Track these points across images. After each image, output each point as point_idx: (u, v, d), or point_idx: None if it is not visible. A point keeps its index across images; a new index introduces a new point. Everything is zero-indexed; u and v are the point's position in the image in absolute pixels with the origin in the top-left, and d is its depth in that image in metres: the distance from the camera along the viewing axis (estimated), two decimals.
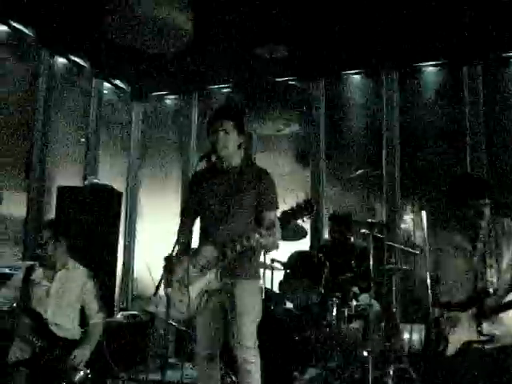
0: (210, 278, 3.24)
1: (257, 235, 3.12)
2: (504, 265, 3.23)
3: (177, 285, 3.24)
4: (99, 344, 4.12)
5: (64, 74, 7.08)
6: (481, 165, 6.50)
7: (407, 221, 6.01)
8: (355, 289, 5.40)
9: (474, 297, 3.21)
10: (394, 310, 5.81)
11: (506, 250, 3.27)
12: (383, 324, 5.53)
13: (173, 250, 3.26)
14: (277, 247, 3.36)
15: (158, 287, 3.15)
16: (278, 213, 3.35)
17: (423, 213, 3.25)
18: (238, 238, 3.18)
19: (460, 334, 3.17)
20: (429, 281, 3.62)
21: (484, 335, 3.11)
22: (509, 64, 6.59)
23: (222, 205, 3.45)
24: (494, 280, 3.20)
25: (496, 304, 3.15)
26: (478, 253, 3.30)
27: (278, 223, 3.17)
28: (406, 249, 5.64)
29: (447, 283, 3.35)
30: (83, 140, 7.35)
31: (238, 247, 3.18)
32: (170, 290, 3.18)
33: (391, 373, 4.95)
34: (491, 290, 3.18)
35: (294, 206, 3.04)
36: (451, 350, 3.17)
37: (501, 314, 3.13)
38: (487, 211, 3.29)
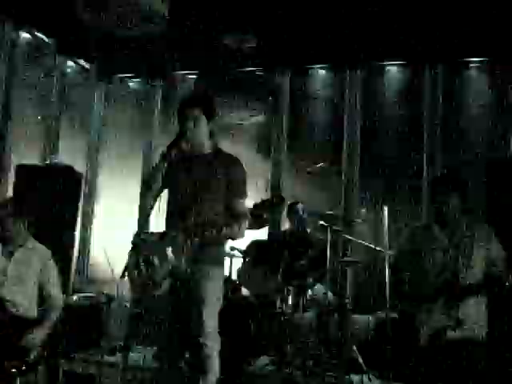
0: (175, 263, 3.26)
1: (225, 223, 3.17)
2: (474, 261, 3.41)
3: (142, 267, 3.26)
4: (55, 324, 4.10)
5: (27, 49, 6.93)
6: (436, 161, 6.73)
7: (365, 215, 6.14)
8: (311, 279, 5.51)
9: (444, 287, 3.38)
10: (347, 300, 5.96)
11: (478, 248, 3.45)
12: (336, 314, 5.69)
13: (137, 234, 3.27)
14: (243, 236, 3.42)
15: (125, 269, 3.16)
16: (250, 203, 3.40)
17: (385, 208, 3.36)
18: (206, 225, 3.21)
19: (431, 323, 3.34)
20: (387, 274, 3.76)
21: (453, 320, 3.28)
22: (468, 68, 6.83)
23: (191, 191, 3.47)
24: (464, 272, 3.38)
25: (463, 291, 3.34)
26: (452, 245, 3.47)
27: (247, 212, 3.23)
28: (363, 243, 5.78)
29: (418, 275, 3.50)
30: (39, 117, 7.22)
31: (206, 234, 3.22)
32: (135, 272, 3.20)
33: (343, 361, 5.10)
34: (461, 280, 3.36)
35: (265, 199, 3.08)
36: (424, 338, 3.33)
37: (469, 302, 3.33)
38: (454, 201, 3.48)
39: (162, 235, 3.37)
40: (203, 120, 3.52)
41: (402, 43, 6.52)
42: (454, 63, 6.80)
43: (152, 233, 3.47)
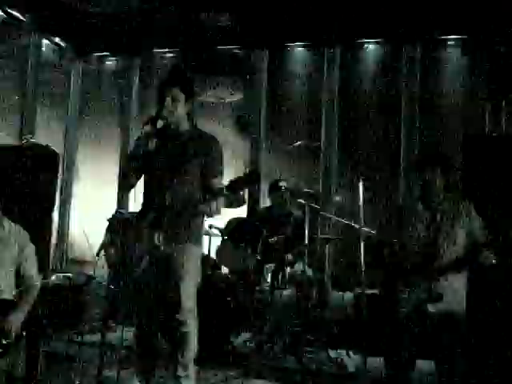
0: (152, 241, 3.27)
1: (200, 200, 3.18)
2: (456, 236, 3.47)
3: (119, 246, 3.27)
4: (33, 305, 4.07)
5: (1, 27, 6.81)
6: (413, 138, 6.78)
7: (343, 192, 6.20)
8: (290, 256, 5.54)
9: (425, 261, 3.43)
10: (325, 277, 6.02)
11: (459, 223, 3.50)
12: (315, 291, 5.74)
13: (116, 212, 3.28)
14: (219, 213, 3.43)
15: (101, 247, 3.16)
16: (225, 181, 3.41)
17: (360, 184, 3.38)
18: (183, 203, 3.22)
19: (411, 297, 3.39)
20: (362, 250, 3.79)
21: (433, 294, 3.34)
22: (445, 46, 6.85)
23: (168, 169, 3.48)
24: (445, 246, 3.44)
25: (444, 266, 3.39)
26: (435, 221, 3.52)
27: (223, 189, 3.24)
28: (340, 220, 5.82)
29: (403, 248, 3.56)
30: (17, 97, 7.12)
31: (182, 212, 3.23)
32: (112, 250, 3.21)
33: (321, 338, 5.17)
34: (442, 253, 3.42)
35: (241, 175, 3.09)
36: (403, 311, 3.40)
37: (449, 276, 3.38)
38: (438, 178, 3.53)
39: (138, 213, 3.37)
40: (181, 99, 3.54)
41: (380, 20, 6.50)
42: (432, 40, 6.81)
43: (129, 212, 3.48)
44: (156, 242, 3.26)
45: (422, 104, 6.81)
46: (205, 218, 3.60)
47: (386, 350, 3.57)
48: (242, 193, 5.52)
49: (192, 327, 3.44)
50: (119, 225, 3.25)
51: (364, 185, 3.42)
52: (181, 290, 3.38)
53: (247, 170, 3.14)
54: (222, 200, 3.31)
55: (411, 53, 6.89)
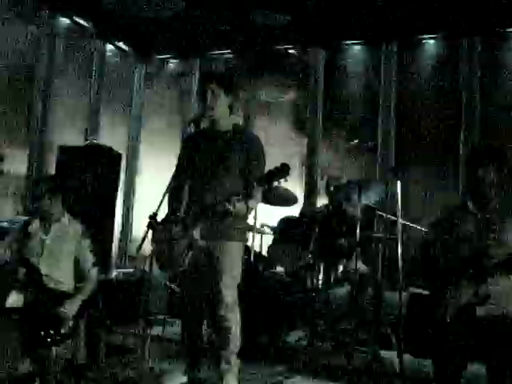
0: (192, 237, 3.35)
1: (235, 200, 3.22)
2: (507, 234, 3.29)
3: (161, 242, 3.37)
4: (95, 299, 4.25)
5: (66, 34, 7.13)
6: (475, 138, 6.60)
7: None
8: (343, 255, 5.50)
9: (473, 261, 3.28)
10: (379, 277, 5.95)
11: (511, 221, 3.32)
12: (370, 289, 5.69)
13: (157, 209, 3.37)
14: (250, 212, 3.48)
15: (141, 244, 3.27)
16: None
17: (398, 183, 3.33)
18: (219, 201, 3.28)
19: (458, 297, 3.26)
20: (400, 249, 3.68)
21: (480, 297, 3.20)
22: (506, 38, 6.63)
23: (208, 167, 3.54)
24: (495, 246, 3.26)
25: (493, 266, 3.23)
26: (484, 218, 3.35)
27: (259, 190, 3.29)
28: (394, 218, 5.74)
29: (450, 247, 3.41)
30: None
31: (218, 209, 3.28)
32: (155, 247, 3.31)
33: (375, 337, 5.11)
34: (491, 253, 3.25)
35: (272, 169, 3.10)
36: (450, 313, 3.26)
37: (499, 277, 3.22)
38: (494, 178, 3.35)
39: (179, 212, 3.46)
40: (222, 95, 3.54)
41: (435, 16, 6.37)
42: (492, 35, 6.60)
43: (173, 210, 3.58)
44: (196, 238, 3.33)
45: (483, 100, 6.60)
46: (247, 215, 3.63)
47: (432, 352, 3.48)
48: (293, 191, 5.58)
49: (233, 322, 3.49)
50: (161, 223, 3.34)
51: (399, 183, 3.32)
52: (221, 286, 3.44)
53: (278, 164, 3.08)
54: (256, 200, 3.36)
55: (470, 47, 6.71)
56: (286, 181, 3.03)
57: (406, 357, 4.75)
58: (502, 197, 3.44)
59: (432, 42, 6.99)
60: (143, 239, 3.27)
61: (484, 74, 6.65)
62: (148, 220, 3.29)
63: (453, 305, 3.28)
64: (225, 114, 3.62)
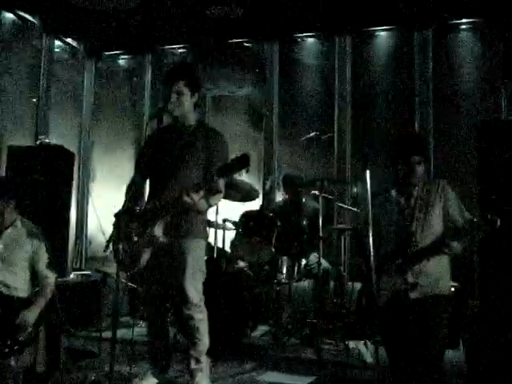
0: (154, 234, 3.27)
1: (194, 194, 3.15)
2: (432, 221, 3.30)
3: (124, 240, 3.27)
4: (53, 303, 4.11)
5: (13, 30, 6.87)
6: (427, 126, 6.69)
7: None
8: (304, 248, 5.51)
9: (400, 248, 3.30)
10: (342, 268, 5.99)
11: (436, 207, 3.32)
12: (332, 282, 5.72)
13: (122, 207, 3.28)
14: (212, 206, 3.44)
15: (107, 244, 3.18)
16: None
17: (367, 172, 3.32)
18: (180, 196, 3.20)
19: (388, 285, 3.29)
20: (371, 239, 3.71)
21: (408, 284, 3.23)
22: (457, 30, 6.74)
23: (170, 163, 3.49)
24: (419, 233, 3.28)
25: (419, 254, 3.26)
26: (410, 207, 3.36)
27: (222, 185, 3.22)
28: (353, 209, 5.79)
29: (378, 236, 3.38)
30: (34, 100, 7.19)
31: (178, 204, 3.20)
32: (119, 246, 3.22)
33: (338, 329, 5.14)
34: (415, 241, 3.27)
35: (231, 159, 3.03)
36: (382, 300, 3.28)
37: (424, 265, 3.25)
38: (419, 169, 3.35)
39: (140, 208, 3.38)
40: (186, 92, 3.53)
41: (387, 9, 6.42)
42: (444, 25, 6.71)
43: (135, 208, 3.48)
44: (156, 235, 3.24)
45: (436, 92, 6.71)
46: (207, 211, 3.57)
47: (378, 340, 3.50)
48: (251, 186, 5.56)
49: (200, 321, 3.44)
50: (122, 220, 3.24)
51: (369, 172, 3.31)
52: (185, 284, 3.38)
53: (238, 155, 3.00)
54: (219, 190, 3.31)
55: (423, 38, 6.79)
56: (247, 171, 2.97)
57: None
58: (426, 183, 3.42)
59: (384, 34, 7.05)
60: (110, 238, 3.17)
61: (437, 65, 6.73)
62: (114, 218, 3.19)
63: (384, 292, 3.29)
64: (189, 110, 3.60)
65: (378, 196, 3.53)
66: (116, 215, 3.25)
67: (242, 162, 2.90)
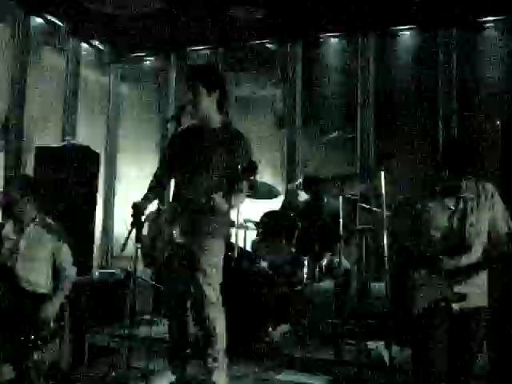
0: (173, 233, 3.31)
1: (217, 196, 3.18)
2: (482, 226, 3.14)
3: (145, 238, 3.32)
4: (78, 300, 4.17)
5: (40, 33, 7.02)
6: (452, 127, 6.63)
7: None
8: (326, 248, 5.50)
9: (448, 254, 3.12)
10: (364, 269, 5.96)
11: (486, 212, 3.16)
12: (353, 283, 5.70)
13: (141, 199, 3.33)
14: (234, 208, 3.45)
15: (125, 243, 3.23)
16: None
17: (382, 173, 3.30)
18: (201, 197, 3.23)
19: (429, 292, 3.10)
20: (386, 239, 3.65)
21: (455, 293, 3.06)
22: (483, 28, 6.65)
23: (193, 163, 3.51)
24: (471, 239, 3.12)
25: (469, 264, 3.09)
26: (459, 211, 3.18)
27: (245, 187, 3.25)
28: (375, 210, 5.75)
29: (424, 240, 3.23)
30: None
31: (199, 205, 3.24)
32: (139, 244, 3.26)
33: (360, 330, 5.11)
34: (467, 248, 3.11)
35: (240, 167, 3.04)
36: (418, 308, 3.10)
37: (473, 275, 3.08)
38: (469, 184, 3.20)
39: (160, 209, 3.43)
40: (203, 92, 3.51)
41: (411, 7, 6.36)
42: (469, 24, 6.63)
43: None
44: (174, 236, 3.28)
45: (460, 92, 6.64)
46: (230, 211, 3.59)
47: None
48: (270, 186, 5.57)
49: (217, 320, 3.46)
50: (143, 220, 3.30)
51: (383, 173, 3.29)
52: (202, 284, 3.41)
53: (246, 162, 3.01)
54: (242, 197, 3.33)
55: (447, 38, 6.74)
56: (254, 177, 2.99)
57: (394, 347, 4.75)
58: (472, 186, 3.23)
59: (409, 33, 7.00)
60: (127, 237, 3.22)
61: (460, 65, 6.66)
62: (131, 216, 3.25)
63: (423, 299, 3.11)
64: (211, 111, 3.58)
65: (424, 199, 3.31)
66: (134, 206, 3.28)
67: (251, 169, 2.94)
